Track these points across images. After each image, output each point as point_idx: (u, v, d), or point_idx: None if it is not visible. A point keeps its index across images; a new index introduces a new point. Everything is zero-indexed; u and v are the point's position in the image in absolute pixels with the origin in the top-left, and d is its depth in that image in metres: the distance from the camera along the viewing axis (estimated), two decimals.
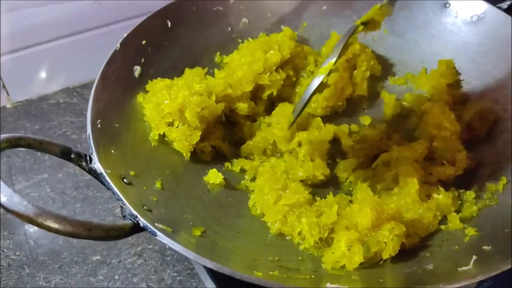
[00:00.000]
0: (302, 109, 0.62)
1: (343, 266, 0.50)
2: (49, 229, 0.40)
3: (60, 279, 0.65)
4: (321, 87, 0.60)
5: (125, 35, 0.66)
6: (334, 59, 0.58)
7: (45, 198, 0.74)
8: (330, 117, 0.72)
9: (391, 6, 0.60)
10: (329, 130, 0.67)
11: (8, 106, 0.88)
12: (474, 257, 0.45)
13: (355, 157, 0.64)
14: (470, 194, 0.58)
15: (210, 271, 0.62)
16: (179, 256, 0.67)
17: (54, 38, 0.86)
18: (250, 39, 0.75)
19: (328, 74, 0.59)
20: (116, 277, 0.65)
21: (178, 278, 0.65)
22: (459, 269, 0.45)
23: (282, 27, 0.76)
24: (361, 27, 0.60)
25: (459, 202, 0.57)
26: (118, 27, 0.89)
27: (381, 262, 0.50)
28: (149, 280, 0.65)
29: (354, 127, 0.69)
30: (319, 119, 0.68)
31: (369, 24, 0.60)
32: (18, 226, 0.70)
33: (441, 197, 0.56)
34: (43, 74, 0.88)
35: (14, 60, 0.84)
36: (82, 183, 0.76)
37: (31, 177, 0.76)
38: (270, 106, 0.71)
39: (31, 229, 0.70)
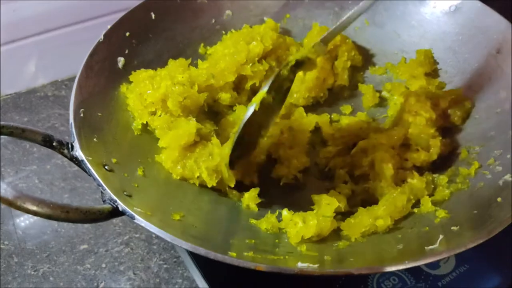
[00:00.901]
0: (237, 138, 0.58)
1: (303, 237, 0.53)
2: (27, 211, 0.42)
3: (48, 267, 0.66)
4: (254, 115, 0.58)
5: (109, 26, 0.67)
6: (265, 89, 0.58)
7: (34, 189, 0.75)
8: (312, 106, 0.73)
9: (324, 46, 0.61)
10: (311, 120, 0.68)
11: None
12: (441, 237, 0.47)
13: (335, 145, 0.66)
14: (443, 179, 0.59)
15: (195, 259, 0.63)
16: (166, 244, 0.68)
17: (43, 31, 0.87)
18: (233, 31, 0.76)
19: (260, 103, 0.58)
20: (103, 265, 0.66)
21: (165, 266, 0.66)
22: (426, 248, 0.46)
23: (265, 18, 0.77)
24: (292, 63, 0.60)
25: (433, 186, 0.59)
26: (107, 20, 0.89)
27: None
28: (135, 268, 0.66)
29: (335, 116, 0.71)
30: (301, 109, 0.69)
31: (305, 64, 0.60)
32: (6, 217, 0.71)
33: (415, 181, 0.58)
34: (31, 67, 0.89)
35: (2, 53, 0.85)
36: (70, 174, 0.77)
37: (20, 168, 0.77)
38: (253, 96, 0.72)
39: (21, 221, 0.72)
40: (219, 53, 0.71)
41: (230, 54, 0.69)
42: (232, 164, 0.59)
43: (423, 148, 0.61)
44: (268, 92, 0.58)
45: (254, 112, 0.58)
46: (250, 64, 0.70)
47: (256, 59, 0.71)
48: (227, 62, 0.69)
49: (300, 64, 0.60)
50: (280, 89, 0.60)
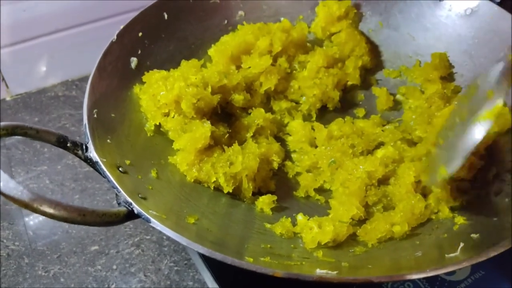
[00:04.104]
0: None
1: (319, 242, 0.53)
2: (44, 214, 0.41)
3: (58, 268, 0.66)
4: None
5: (121, 26, 0.66)
6: (501, 100, 0.47)
7: (44, 189, 0.74)
8: (325, 109, 0.72)
9: None
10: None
11: (8, 98, 0.89)
12: (462, 244, 0.46)
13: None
14: (465, 184, 0.58)
15: (206, 261, 0.63)
16: (177, 246, 0.68)
17: (54, 31, 0.86)
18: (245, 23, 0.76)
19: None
20: (114, 267, 0.66)
21: (175, 268, 0.66)
22: (446, 255, 0.46)
23: (281, 19, 0.77)
24: None
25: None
26: (118, 20, 0.89)
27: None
28: (146, 270, 0.65)
29: (348, 119, 0.70)
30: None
31: None
32: (17, 217, 0.71)
33: (440, 190, 0.56)
34: (42, 67, 0.89)
35: (13, 53, 0.85)
36: (81, 175, 0.76)
37: (31, 169, 0.77)
38: (266, 99, 0.72)
39: (31, 220, 0.71)
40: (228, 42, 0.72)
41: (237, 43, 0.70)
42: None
43: None
44: None
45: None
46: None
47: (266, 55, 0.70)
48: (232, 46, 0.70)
49: None
50: None
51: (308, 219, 0.56)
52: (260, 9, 0.78)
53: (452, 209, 0.55)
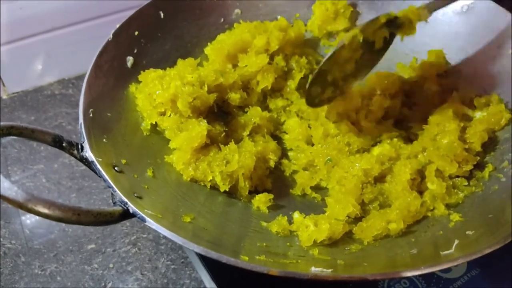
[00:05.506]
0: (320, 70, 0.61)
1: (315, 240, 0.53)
2: (39, 214, 0.41)
3: (55, 267, 0.66)
4: (341, 52, 0.60)
5: (118, 25, 0.66)
6: (359, 28, 0.60)
7: (41, 188, 0.74)
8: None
9: (427, 12, 0.62)
10: None
11: (4, 97, 0.89)
12: (456, 241, 0.46)
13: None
14: (461, 181, 0.58)
15: (203, 260, 0.63)
16: (173, 245, 0.68)
17: (50, 29, 0.86)
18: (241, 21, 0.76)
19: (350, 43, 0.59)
20: (111, 265, 0.66)
21: (172, 266, 0.66)
22: (441, 252, 0.46)
23: (278, 17, 0.77)
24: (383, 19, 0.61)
25: (455, 189, 0.58)
26: (114, 19, 0.89)
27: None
28: (143, 269, 0.66)
29: None
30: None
31: (404, 27, 0.62)
32: (14, 216, 0.71)
33: (435, 187, 0.57)
34: (38, 65, 0.89)
35: (9, 51, 0.85)
36: (78, 174, 0.76)
37: (27, 167, 0.77)
38: (263, 97, 0.72)
39: (27, 218, 0.71)
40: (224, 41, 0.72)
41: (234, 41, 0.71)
42: (311, 99, 0.63)
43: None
44: (361, 31, 0.59)
45: (343, 47, 0.59)
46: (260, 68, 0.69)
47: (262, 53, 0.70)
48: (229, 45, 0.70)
49: (399, 25, 0.61)
50: (371, 45, 0.62)
51: (305, 217, 0.56)
52: (257, 7, 0.78)
53: (448, 206, 0.56)
